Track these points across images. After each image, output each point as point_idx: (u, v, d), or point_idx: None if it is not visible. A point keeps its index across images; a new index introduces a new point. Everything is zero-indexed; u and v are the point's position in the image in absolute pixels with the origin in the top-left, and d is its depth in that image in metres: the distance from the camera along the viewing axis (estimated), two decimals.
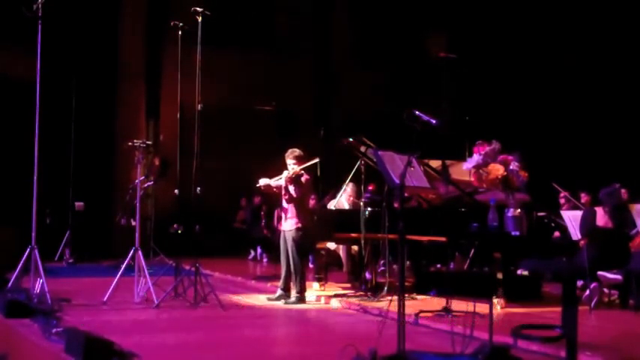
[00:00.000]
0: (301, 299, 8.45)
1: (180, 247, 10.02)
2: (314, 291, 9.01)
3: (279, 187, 8.57)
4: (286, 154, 8.56)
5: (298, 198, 8.45)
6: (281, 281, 8.67)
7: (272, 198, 9.82)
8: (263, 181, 8.64)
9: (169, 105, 13.55)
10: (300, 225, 8.45)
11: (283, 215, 8.62)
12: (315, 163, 8.51)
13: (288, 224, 8.52)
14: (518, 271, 8.84)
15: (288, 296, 8.54)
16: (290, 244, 8.46)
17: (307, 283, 8.84)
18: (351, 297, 8.62)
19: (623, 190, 8.83)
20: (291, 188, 8.42)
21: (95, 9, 14.67)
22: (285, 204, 8.56)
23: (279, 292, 8.65)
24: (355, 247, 9.50)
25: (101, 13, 14.91)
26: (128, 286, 8.24)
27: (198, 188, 8.24)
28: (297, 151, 8.56)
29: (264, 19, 16.67)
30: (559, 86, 13.79)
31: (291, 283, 8.57)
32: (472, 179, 8.47)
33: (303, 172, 8.46)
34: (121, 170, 14.29)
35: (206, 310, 7.77)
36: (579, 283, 7.93)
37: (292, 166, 8.46)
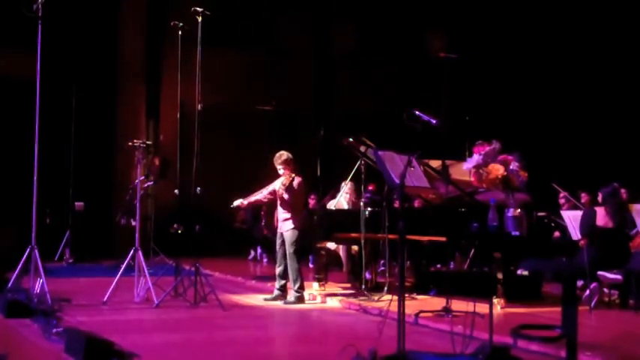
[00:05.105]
0: (300, 298, 8.47)
1: (180, 247, 10.01)
2: (313, 290, 9.01)
3: (273, 193, 8.64)
4: (274, 158, 8.62)
5: (291, 201, 8.49)
6: (277, 282, 8.69)
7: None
8: (237, 202, 8.78)
9: (169, 105, 13.56)
10: (295, 225, 8.51)
11: (279, 217, 8.69)
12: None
13: (285, 225, 8.57)
14: (518, 271, 8.83)
15: (285, 296, 8.55)
16: (288, 244, 8.51)
17: (307, 283, 8.85)
18: (351, 297, 8.62)
19: (623, 190, 8.83)
20: (285, 194, 8.48)
21: (95, 9, 14.66)
22: (280, 206, 8.63)
23: (276, 292, 8.67)
24: (355, 247, 9.49)
25: (101, 13, 14.89)
26: (128, 286, 8.24)
27: (198, 188, 8.24)
28: (285, 155, 8.60)
29: (263, 19, 16.65)
30: (559, 86, 13.78)
31: (288, 284, 8.60)
32: (472, 179, 8.47)
33: (294, 176, 8.50)
34: (121, 170, 14.29)
35: (206, 310, 7.78)
36: (579, 283, 7.93)
37: (281, 171, 8.55)
